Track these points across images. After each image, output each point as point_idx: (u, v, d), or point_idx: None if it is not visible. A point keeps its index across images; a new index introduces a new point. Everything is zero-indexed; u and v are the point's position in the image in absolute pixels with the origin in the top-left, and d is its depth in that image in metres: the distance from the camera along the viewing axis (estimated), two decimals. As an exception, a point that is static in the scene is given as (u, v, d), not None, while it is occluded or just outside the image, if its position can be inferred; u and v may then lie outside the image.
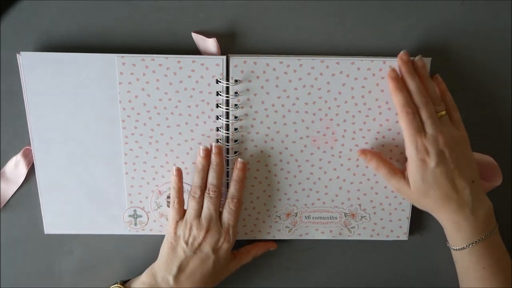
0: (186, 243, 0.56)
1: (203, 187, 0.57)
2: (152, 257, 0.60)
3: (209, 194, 0.57)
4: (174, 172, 0.58)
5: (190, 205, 0.57)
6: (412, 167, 0.54)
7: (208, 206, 0.56)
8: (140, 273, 0.60)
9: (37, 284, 0.65)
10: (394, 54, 0.56)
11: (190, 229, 0.57)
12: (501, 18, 0.58)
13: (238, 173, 0.58)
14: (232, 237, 0.57)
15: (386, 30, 0.58)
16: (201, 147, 0.57)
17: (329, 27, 0.58)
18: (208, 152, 0.58)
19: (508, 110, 0.61)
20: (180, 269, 0.57)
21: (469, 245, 0.54)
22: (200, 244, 0.56)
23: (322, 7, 0.57)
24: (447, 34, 0.58)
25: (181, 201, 0.58)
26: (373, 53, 0.58)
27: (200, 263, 0.57)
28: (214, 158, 0.57)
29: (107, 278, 0.64)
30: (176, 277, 0.57)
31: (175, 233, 0.57)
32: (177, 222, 0.57)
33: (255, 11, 0.58)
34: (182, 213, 0.58)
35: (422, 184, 0.54)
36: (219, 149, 0.57)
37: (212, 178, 0.57)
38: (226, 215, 0.57)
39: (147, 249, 0.64)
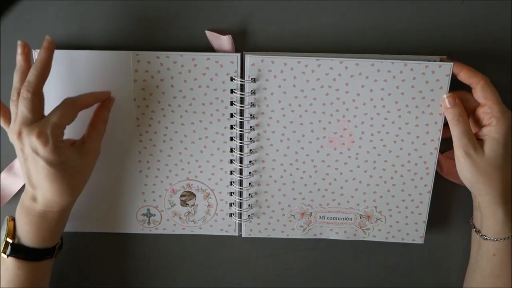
0: (21, 150, 0.51)
1: (20, 89, 0.50)
2: (157, 255, 0.60)
3: (22, 94, 0.49)
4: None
5: (12, 110, 0.51)
6: (499, 128, 0.53)
7: (20, 109, 0.49)
8: (142, 272, 0.60)
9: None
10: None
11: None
12: (501, 18, 0.56)
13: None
14: (52, 136, 0.49)
15: (385, 30, 0.57)
16: (19, 42, 0.51)
17: (340, 25, 0.57)
18: (27, 48, 0.51)
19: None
20: (27, 175, 0.52)
21: None
22: (22, 150, 0.50)
23: (334, 5, 0.56)
24: (447, 34, 0.57)
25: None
26: (372, 52, 0.57)
27: (34, 167, 0.50)
28: (41, 52, 0.51)
29: (110, 278, 0.65)
30: (29, 183, 0.52)
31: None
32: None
33: (268, 9, 0.56)
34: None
35: (503, 151, 0.53)
36: (49, 43, 0.51)
37: (30, 75, 0.50)
38: (52, 113, 0.51)
39: (154, 248, 0.64)
